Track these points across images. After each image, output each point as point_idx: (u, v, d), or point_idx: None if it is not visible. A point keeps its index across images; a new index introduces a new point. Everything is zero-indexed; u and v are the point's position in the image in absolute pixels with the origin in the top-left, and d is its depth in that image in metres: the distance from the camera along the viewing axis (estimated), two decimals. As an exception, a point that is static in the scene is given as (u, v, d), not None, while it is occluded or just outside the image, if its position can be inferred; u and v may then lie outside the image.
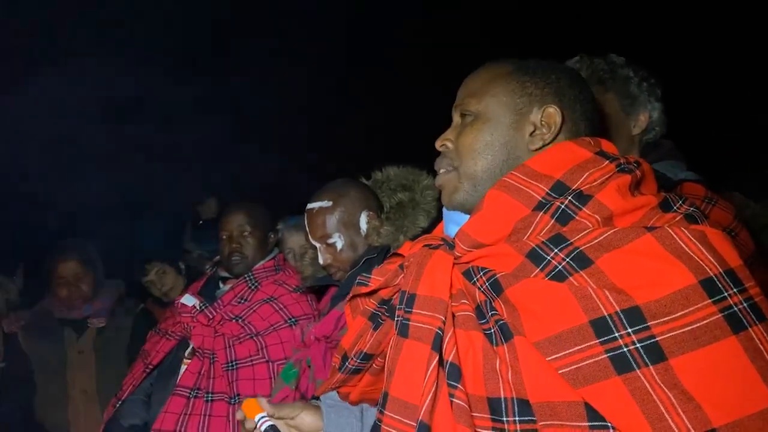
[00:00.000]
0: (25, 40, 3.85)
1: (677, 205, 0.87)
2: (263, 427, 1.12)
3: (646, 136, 1.55)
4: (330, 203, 1.66)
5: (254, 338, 2.05)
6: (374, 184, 1.78)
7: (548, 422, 0.76)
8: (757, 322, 0.74)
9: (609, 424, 0.73)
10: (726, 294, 0.74)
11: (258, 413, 1.14)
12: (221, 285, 2.29)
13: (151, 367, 2.14)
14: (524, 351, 0.80)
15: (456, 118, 1.05)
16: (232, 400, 1.93)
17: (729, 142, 4.61)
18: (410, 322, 0.94)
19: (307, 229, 1.69)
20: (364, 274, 1.16)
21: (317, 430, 1.18)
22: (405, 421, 0.90)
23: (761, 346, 0.72)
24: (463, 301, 0.91)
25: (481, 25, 5.43)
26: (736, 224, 1.40)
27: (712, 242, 0.78)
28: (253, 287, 2.19)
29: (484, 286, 0.87)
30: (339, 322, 1.56)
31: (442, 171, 1.04)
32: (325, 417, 1.18)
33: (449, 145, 1.03)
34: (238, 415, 1.19)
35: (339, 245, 1.65)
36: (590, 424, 0.74)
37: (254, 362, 1.98)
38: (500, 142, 0.97)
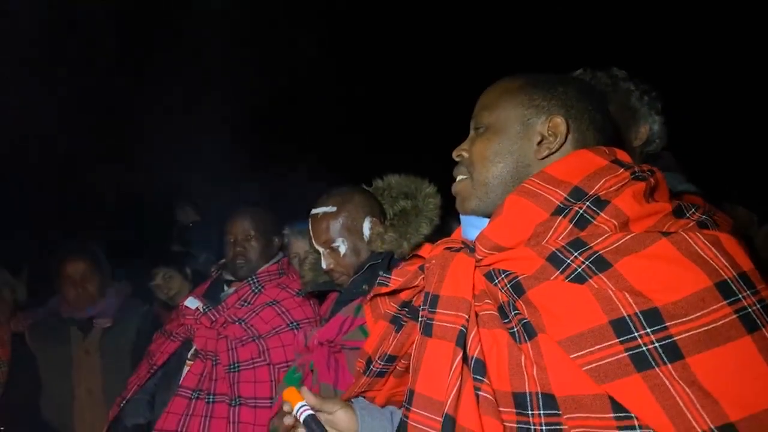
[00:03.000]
0: None
1: (690, 212, 0.91)
2: (303, 417, 1.14)
3: (647, 148, 1.56)
4: (334, 209, 1.68)
5: (256, 341, 2.06)
6: (375, 192, 1.80)
7: (573, 415, 0.80)
8: None
9: (633, 416, 0.76)
10: (740, 296, 0.78)
11: (299, 401, 1.16)
12: (225, 288, 2.32)
13: (155, 367, 2.16)
14: (548, 348, 0.84)
15: (472, 129, 1.10)
16: (233, 402, 1.95)
17: (730, 155, 4.60)
18: (434, 322, 0.99)
19: (311, 233, 1.71)
20: (384, 274, 1.19)
21: (352, 429, 1.20)
22: (430, 416, 0.94)
23: None
24: (486, 301, 0.95)
25: (483, 38, 5.44)
26: None
27: (726, 247, 0.82)
28: (256, 290, 2.21)
29: (506, 288, 0.91)
30: (342, 327, 1.57)
31: (458, 178, 1.09)
32: (360, 419, 1.20)
33: (465, 154, 1.08)
34: (286, 407, 1.19)
35: (342, 250, 1.66)
36: (615, 415, 0.78)
37: (256, 365, 2.00)
38: (509, 150, 1.01)
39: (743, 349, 0.75)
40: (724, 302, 0.77)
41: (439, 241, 1.13)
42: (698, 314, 0.76)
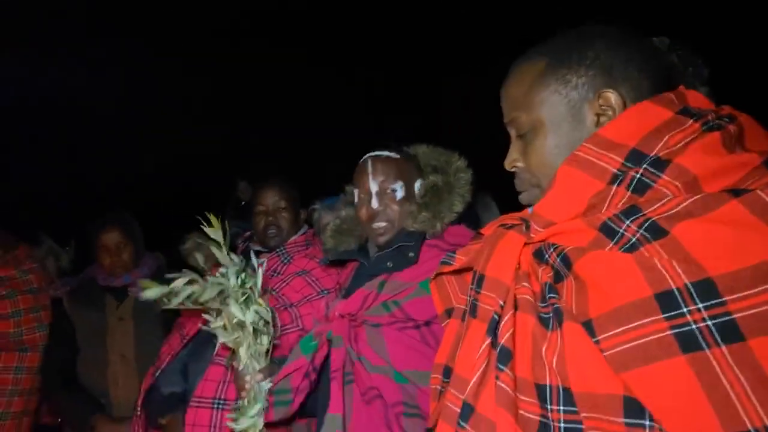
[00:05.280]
0: None
1: None
2: None
3: None
4: (398, 156, 1.65)
5: (288, 309, 2.08)
6: None
7: (589, 414, 0.72)
8: None
9: (646, 423, 0.67)
10: None
11: None
12: (254, 258, 2.34)
13: (187, 338, 2.19)
14: (572, 337, 0.76)
15: (512, 133, 1.01)
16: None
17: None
18: (478, 303, 0.93)
19: (370, 172, 1.63)
20: (449, 253, 1.14)
21: None
22: (459, 395, 0.90)
23: None
24: (524, 283, 0.88)
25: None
26: None
27: None
28: (285, 261, 2.22)
29: (557, 263, 0.82)
30: (366, 302, 1.54)
31: (524, 192, 1.01)
32: None
33: (519, 164, 0.99)
34: None
35: (399, 195, 1.61)
36: (626, 420, 0.69)
37: (287, 331, 2.01)
38: (567, 144, 0.91)
39: None
40: None
41: (498, 218, 1.06)
42: (766, 287, 0.63)
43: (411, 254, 1.54)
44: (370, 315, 1.52)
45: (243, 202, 3.79)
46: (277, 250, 2.25)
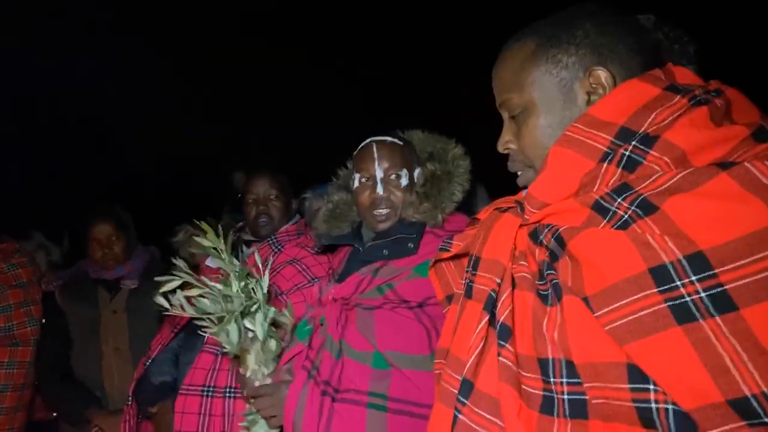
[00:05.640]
0: None
1: None
2: None
3: None
4: (401, 143, 1.63)
5: (279, 297, 2.07)
6: None
7: (592, 384, 0.73)
8: None
9: (650, 387, 0.69)
10: None
11: None
12: (245, 248, 2.33)
13: (178, 328, 2.19)
14: (572, 309, 0.77)
15: (504, 116, 1.01)
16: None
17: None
18: (474, 284, 0.94)
19: (375, 157, 1.60)
20: (446, 240, 1.14)
21: None
22: (455, 375, 0.91)
23: None
24: (522, 262, 0.89)
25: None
26: None
27: None
28: (276, 250, 2.21)
29: (552, 243, 0.83)
30: (360, 286, 1.53)
31: (520, 174, 1.01)
32: None
33: (512, 146, 1.00)
34: None
35: (404, 182, 1.59)
36: (631, 386, 0.70)
37: None
38: (559, 123, 0.92)
39: None
40: None
41: (494, 202, 1.06)
42: (757, 256, 0.63)
43: (411, 245, 1.52)
44: (364, 298, 1.51)
45: (240, 194, 3.80)
46: (268, 239, 2.23)
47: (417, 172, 1.62)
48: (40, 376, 2.54)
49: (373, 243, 1.60)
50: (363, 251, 1.63)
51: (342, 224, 1.76)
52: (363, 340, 1.45)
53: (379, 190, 1.58)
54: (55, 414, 2.67)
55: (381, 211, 1.59)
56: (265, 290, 1.67)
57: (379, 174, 1.59)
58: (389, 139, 1.63)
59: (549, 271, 0.83)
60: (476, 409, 0.86)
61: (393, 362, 1.39)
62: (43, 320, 2.55)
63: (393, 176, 1.59)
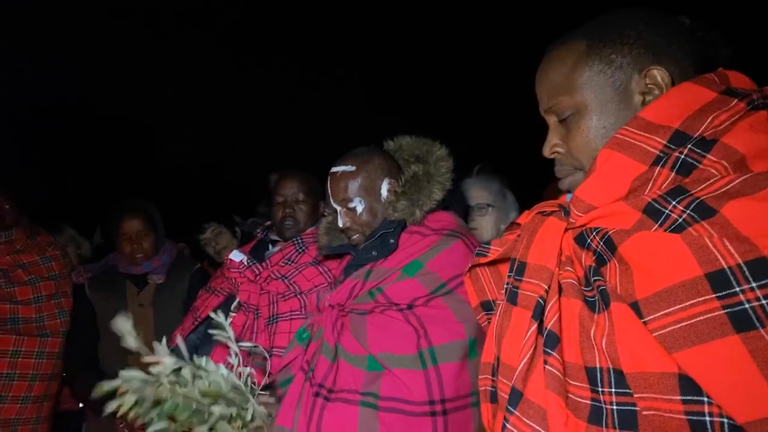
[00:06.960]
0: None
1: None
2: None
3: None
4: (353, 168, 1.64)
5: (298, 296, 2.08)
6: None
7: (642, 395, 0.71)
8: None
9: (704, 399, 0.66)
10: None
11: None
12: (270, 247, 2.36)
13: (199, 320, 2.21)
14: (620, 317, 0.75)
15: (551, 120, 0.98)
16: (269, 353, 1.96)
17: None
18: (519, 290, 0.92)
19: (329, 192, 1.68)
20: (483, 245, 1.13)
21: None
22: (506, 382, 0.90)
23: None
24: (568, 268, 0.87)
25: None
26: None
27: None
28: (300, 250, 2.23)
29: (600, 246, 0.81)
30: (353, 291, 1.56)
31: (568, 179, 0.98)
32: None
33: (561, 150, 0.98)
34: None
35: (359, 209, 1.63)
36: (683, 398, 0.68)
37: (293, 317, 2.01)
38: (613, 122, 0.89)
39: None
40: None
41: (535, 206, 1.04)
42: None
43: (391, 241, 1.57)
44: (357, 303, 1.55)
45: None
46: (294, 239, 2.25)
47: (385, 183, 1.64)
48: (68, 367, 2.59)
49: (363, 246, 1.64)
50: (354, 256, 1.67)
51: (342, 234, 1.80)
52: (358, 345, 1.48)
53: (340, 223, 1.66)
54: (81, 405, 2.73)
55: (350, 235, 1.68)
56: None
57: (337, 207, 1.67)
58: (341, 169, 1.66)
59: (596, 277, 0.81)
60: (524, 419, 0.84)
61: (383, 363, 1.41)
62: (73, 311, 2.59)
63: (348, 207, 1.65)
